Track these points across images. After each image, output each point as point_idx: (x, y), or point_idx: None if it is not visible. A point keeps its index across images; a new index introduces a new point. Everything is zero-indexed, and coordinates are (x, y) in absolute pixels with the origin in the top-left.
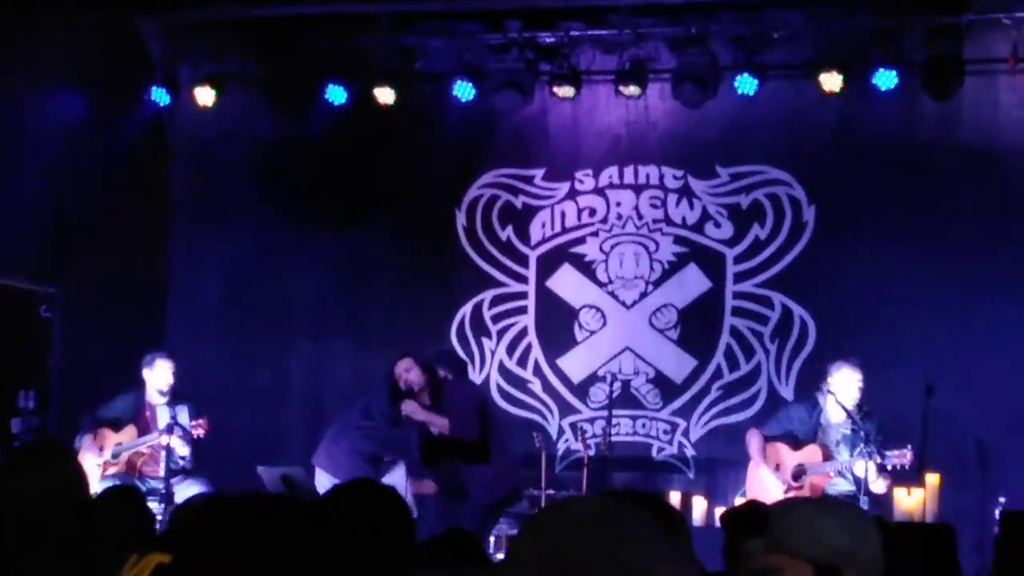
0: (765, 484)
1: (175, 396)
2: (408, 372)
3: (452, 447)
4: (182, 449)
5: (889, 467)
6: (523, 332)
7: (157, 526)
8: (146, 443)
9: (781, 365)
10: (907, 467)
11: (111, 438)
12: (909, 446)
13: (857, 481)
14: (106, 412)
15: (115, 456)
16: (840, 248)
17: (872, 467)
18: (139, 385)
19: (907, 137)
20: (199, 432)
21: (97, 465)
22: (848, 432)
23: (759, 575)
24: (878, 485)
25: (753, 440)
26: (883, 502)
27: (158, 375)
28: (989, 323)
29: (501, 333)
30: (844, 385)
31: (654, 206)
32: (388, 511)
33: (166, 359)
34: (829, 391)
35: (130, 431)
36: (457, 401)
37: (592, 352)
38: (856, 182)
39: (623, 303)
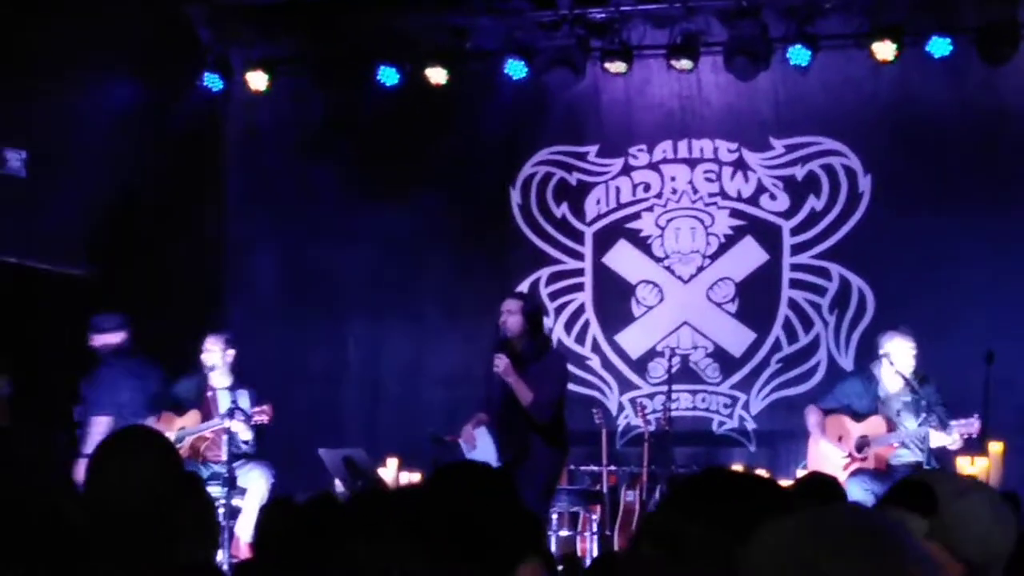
0: (827, 456)
1: (237, 380)
2: (511, 315)
3: (523, 414)
4: (245, 434)
5: (956, 435)
6: (580, 309)
7: (219, 512)
8: (208, 428)
9: (840, 336)
10: (974, 436)
11: (175, 421)
12: (976, 415)
13: (924, 451)
14: (170, 394)
15: (178, 441)
16: (897, 217)
17: (942, 439)
18: (202, 369)
19: (962, 104)
20: (263, 419)
21: None
22: (908, 400)
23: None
24: (951, 440)
25: (811, 415)
26: (947, 467)
27: (210, 355)
28: None
29: (559, 311)
30: (898, 354)
31: (709, 180)
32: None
33: (217, 338)
34: (883, 360)
35: (193, 415)
36: (548, 375)
37: (650, 327)
38: (911, 150)
39: (680, 278)
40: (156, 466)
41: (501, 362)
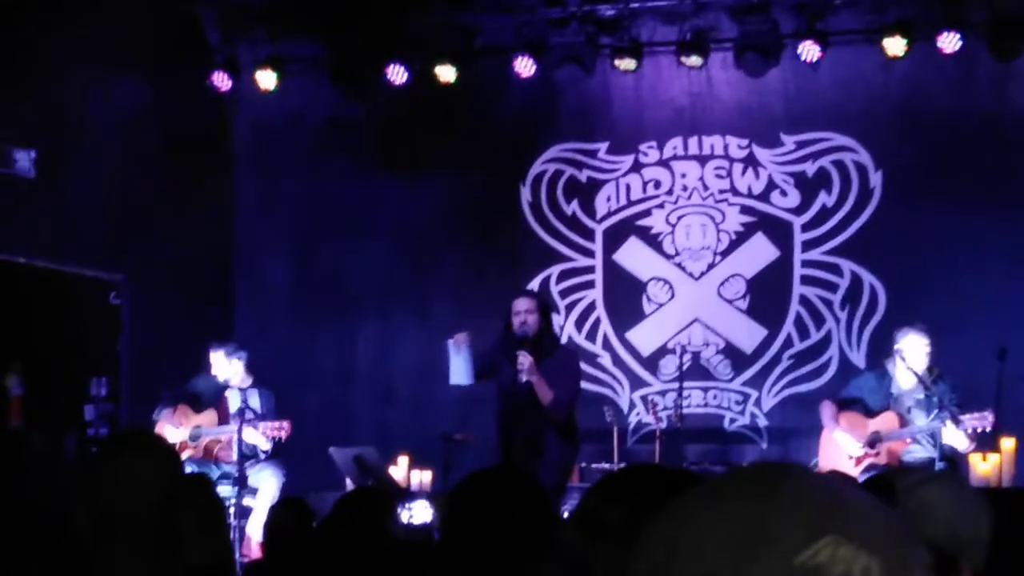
0: (840, 447)
1: (254, 380)
2: (529, 315)
3: (537, 411)
4: (264, 444)
5: (969, 431)
6: (591, 306)
7: (230, 513)
8: (223, 433)
9: (852, 332)
10: (987, 430)
11: (191, 416)
12: (990, 409)
13: (936, 446)
14: (188, 388)
15: (194, 439)
16: (908, 213)
17: (955, 434)
18: None
19: (972, 99)
20: (281, 435)
21: (176, 441)
22: (921, 397)
23: None
24: (961, 443)
25: (826, 409)
26: (959, 467)
27: (216, 367)
28: None
29: (569, 308)
30: (912, 351)
31: (719, 176)
32: (526, 498)
33: (218, 350)
34: (900, 357)
35: (210, 415)
36: (564, 373)
37: (661, 324)
38: (922, 146)
39: (691, 275)
40: (155, 470)
41: (527, 360)
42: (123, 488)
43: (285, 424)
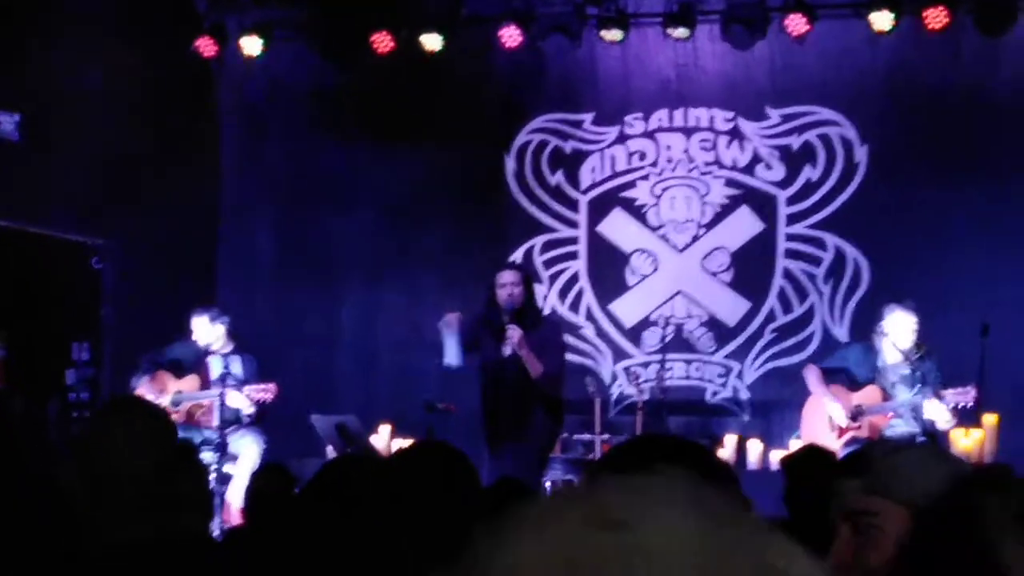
0: (825, 415)
1: (237, 346)
2: (514, 287)
3: (526, 383)
4: (248, 408)
5: (952, 405)
6: (575, 277)
7: (211, 479)
8: (207, 398)
9: (835, 307)
10: (970, 405)
11: (171, 382)
12: (972, 384)
13: (918, 421)
14: (167, 354)
15: (175, 404)
16: (893, 188)
17: (937, 408)
18: None
19: (959, 75)
20: (267, 396)
21: None
22: (906, 373)
23: (854, 516)
24: (945, 422)
25: (811, 375)
26: (941, 441)
27: (196, 331)
28: None
29: (553, 279)
30: (898, 328)
31: (705, 149)
32: (455, 469)
33: (201, 314)
34: (884, 333)
35: (192, 380)
36: (551, 345)
37: (644, 296)
38: (908, 121)
39: (675, 247)
40: (153, 434)
41: (516, 333)
42: (122, 452)
43: (271, 386)
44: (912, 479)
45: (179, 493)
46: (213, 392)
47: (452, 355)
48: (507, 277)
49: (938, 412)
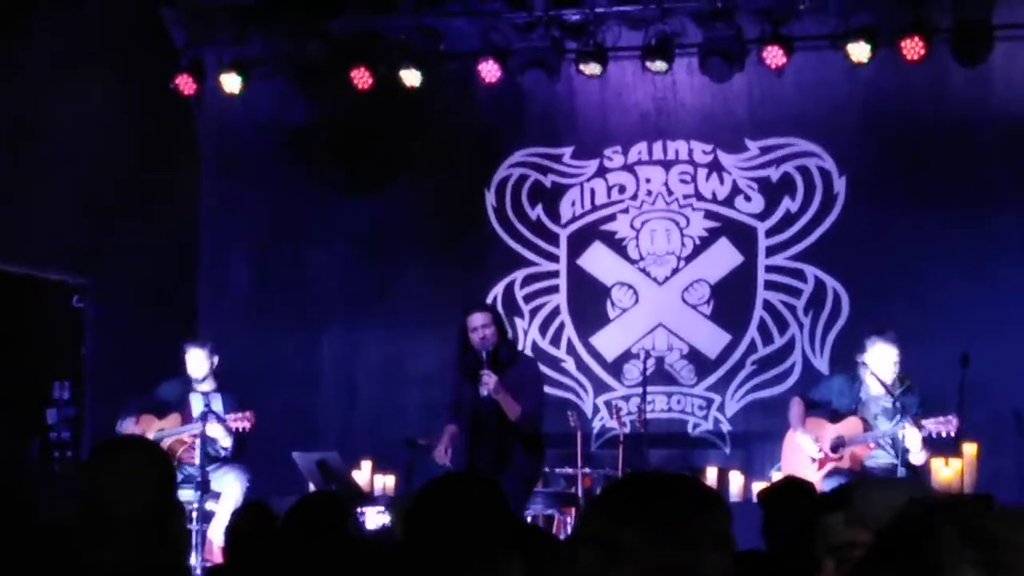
0: (801, 449)
1: (218, 385)
2: (486, 328)
3: (505, 422)
4: (225, 440)
5: (933, 435)
6: (555, 311)
7: (192, 517)
8: (187, 432)
9: (815, 338)
10: (951, 434)
11: (154, 424)
12: (953, 414)
13: (897, 452)
14: (153, 397)
15: (157, 442)
16: (872, 219)
17: (915, 437)
18: (185, 373)
19: (937, 105)
20: (245, 425)
21: None
22: (888, 406)
23: (837, 550)
24: (919, 456)
25: (794, 407)
26: (921, 473)
27: (192, 363)
28: None
29: (533, 313)
30: (880, 360)
31: (684, 181)
32: (483, 500)
33: (198, 347)
34: (865, 364)
35: (174, 419)
36: (527, 383)
37: (625, 329)
38: (887, 152)
39: (655, 279)
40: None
41: (491, 379)
42: (125, 490)
43: (248, 414)
44: (892, 511)
45: (167, 529)
46: (193, 426)
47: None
48: (478, 320)
49: (913, 445)
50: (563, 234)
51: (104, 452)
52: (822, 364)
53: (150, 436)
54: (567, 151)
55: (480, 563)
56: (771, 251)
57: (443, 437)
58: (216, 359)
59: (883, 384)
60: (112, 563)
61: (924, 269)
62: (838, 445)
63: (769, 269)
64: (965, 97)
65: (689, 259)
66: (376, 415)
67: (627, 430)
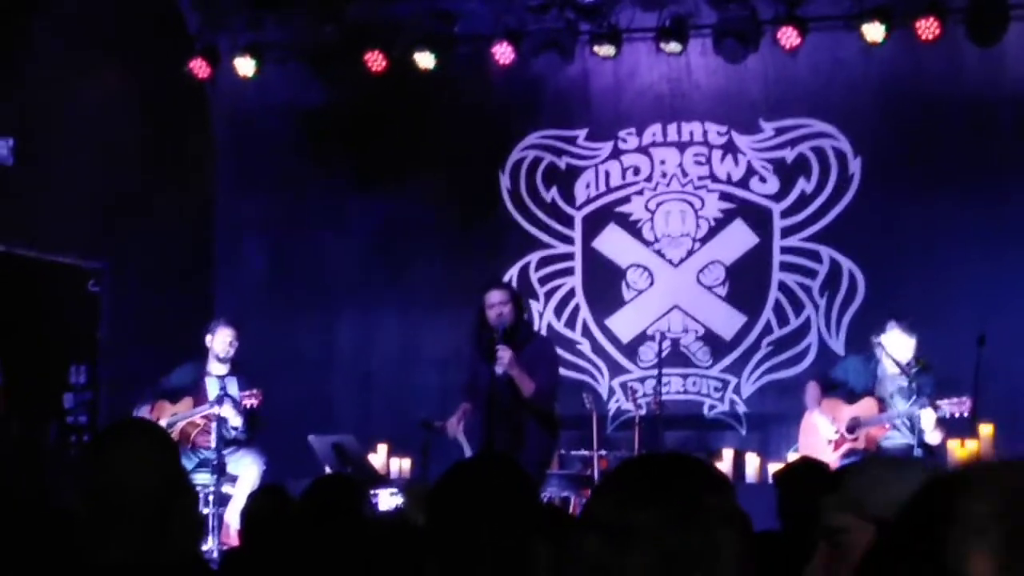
0: (818, 431)
1: (231, 367)
2: (503, 306)
3: (519, 400)
4: (235, 420)
5: (948, 415)
6: (571, 293)
7: (208, 500)
8: (199, 414)
9: (831, 319)
10: (965, 415)
11: (168, 409)
12: (967, 394)
13: (914, 433)
14: (166, 383)
15: (170, 426)
16: (887, 199)
17: (930, 417)
18: (200, 355)
19: (952, 85)
20: (253, 402)
21: None
22: (904, 385)
23: (827, 533)
24: (934, 436)
25: (810, 390)
26: (937, 453)
27: (219, 341)
28: None
29: (549, 295)
30: (896, 346)
31: (699, 163)
32: (511, 483)
33: (227, 326)
34: (881, 345)
35: (186, 403)
36: (543, 361)
37: (640, 311)
38: (902, 132)
39: (670, 261)
40: (161, 456)
41: (506, 354)
42: (131, 474)
43: (256, 391)
44: (877, 495)
45: (176, 515)
46: (204, 408)
47: (466, 447)
48: (495, 297)
49: (929, 426)
50: (578, 216)
51: (107, 435)
52: (838, 345)
53: (163, 422)
54: (581, 133)
55: (508, 546)
56: (786, 232)
57: (457, 412)
58: (237, 343)
59: (898, 364)
60: (116, 548)
61: (939, 249)
62: (854, 426)
63: (784, 250)
64: (980, 77)
65: (704, 240)
66: (391, 398)
67: (643, 412)
